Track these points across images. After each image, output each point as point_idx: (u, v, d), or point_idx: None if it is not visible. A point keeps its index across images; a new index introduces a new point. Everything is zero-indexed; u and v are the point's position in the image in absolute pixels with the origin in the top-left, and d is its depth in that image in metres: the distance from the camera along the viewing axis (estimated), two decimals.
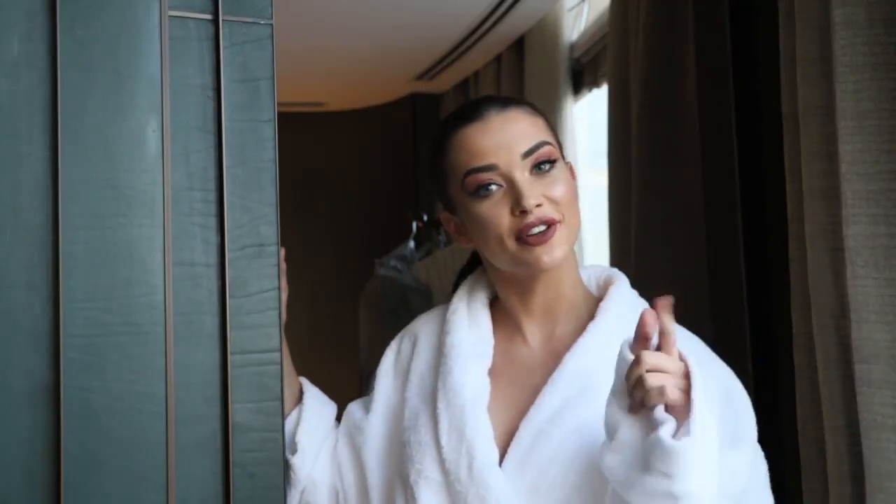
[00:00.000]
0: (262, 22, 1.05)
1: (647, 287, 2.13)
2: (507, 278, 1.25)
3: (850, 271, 1.22)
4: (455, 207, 1.26)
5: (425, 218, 3.28)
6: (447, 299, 1.37)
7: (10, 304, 0.93)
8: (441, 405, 1.21)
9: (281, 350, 1.04)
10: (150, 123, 1.00)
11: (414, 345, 1.32)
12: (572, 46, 2.96)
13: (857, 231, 1.21)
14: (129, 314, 0.97)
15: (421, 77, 3.62)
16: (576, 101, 2.97)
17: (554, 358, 1.22)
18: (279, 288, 1.04)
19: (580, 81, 2.95)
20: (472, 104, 1.28)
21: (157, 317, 0.98)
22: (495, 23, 2.92)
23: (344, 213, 4.11)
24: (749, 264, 1.76)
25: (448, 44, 3.16)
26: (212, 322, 1.00)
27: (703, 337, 2.03)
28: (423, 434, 1.21)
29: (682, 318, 2.01)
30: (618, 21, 2.38)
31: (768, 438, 1.73)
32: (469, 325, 1.28)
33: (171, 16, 1.01)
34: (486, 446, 1.17)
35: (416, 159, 4.02)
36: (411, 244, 3.28)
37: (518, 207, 1.17)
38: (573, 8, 2.95)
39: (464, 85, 3.66)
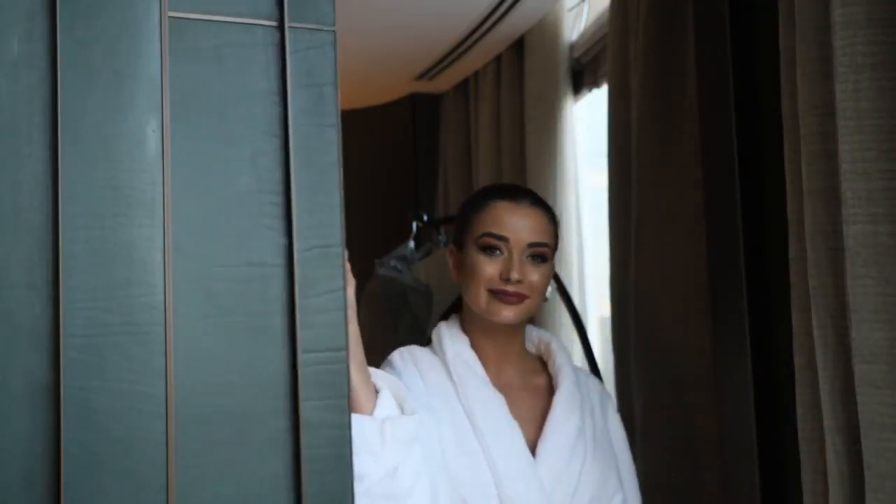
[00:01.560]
0: (325, 28, 1.08)
1: (647, 287, 2.14)
2: (480, 326, 1.63)
3: (850, 271, 1.22)
4: (462, 247, 1.63)
5: (425, 218, 3.28)
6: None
7: (10, 304, 0.93)
8: (479, 411, 1.54)
9: (347, 348, 1.06)
10: (149, 123, 1.00)
11: (415, 364, 1.59)
12: (572, 46, 2.96)
13: (857, 231, 1.21)
14: (129, 314, 0.97)
15: (421, 77, 3.62)
16: (576, 101, 2.97)
17: (513, 389, 1.62)
18: (344, 288, 1.07)
19: (580, 81, 2.96)
20: (514, 188, 1.68)
21: (157, 317, 0.98)
22: (495, 23, 2.92)
23: (344, 213, 4.10)
24: (749, 264, 1.76)
25: (448, 44, 3.17)
26: (281, 321, 1.03)
27: (703, 337, 2.02)
28: (461, 430, 1.52)
29: (683, 319, 2.01)
30: (617, 21, 2.38)
31: (768, 438, 1.74)
32: (470, 359, 1.61)
33: (236, 23, 1.04)
34: (520, 436, 1.54)
35: (416, 159, 4.02)
36: (411, 244, 3.28)
37: (505, 274, 1.56)
38: (573, 8, 2.95)
39: (464, 85, 3.66)
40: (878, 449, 1.18)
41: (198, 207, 1.01)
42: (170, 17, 1.02)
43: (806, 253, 1.35)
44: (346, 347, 1.05)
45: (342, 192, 1.07)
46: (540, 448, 1.55)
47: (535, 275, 1.58)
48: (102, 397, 0.95)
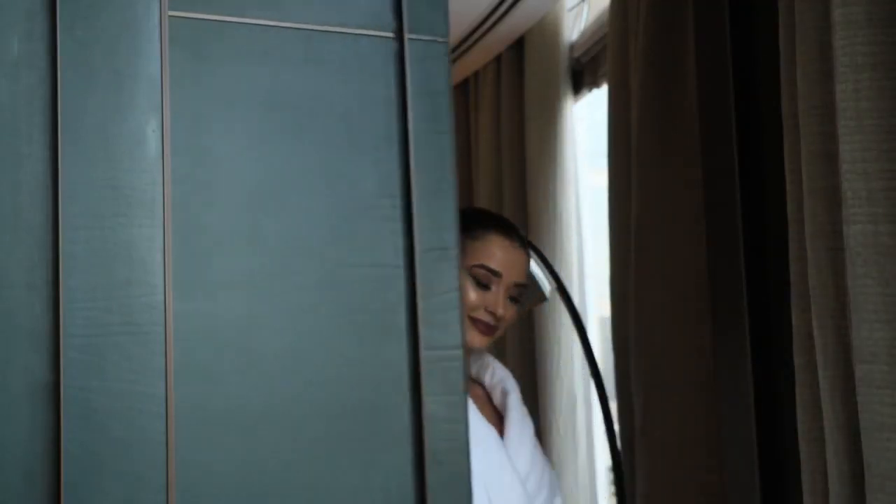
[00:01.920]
0: (440, 40, 1.13)
1: (647, 287, 2.14)
2: None
3: (850, 271, 1.22)
4: None
5: None
6: None
7: (10, 304, 0.93)
8: None
9: (463, 347, 1.10)
10: (149, 123, 1.00)
11: None
12: (572, 46, 2.96)
13: (857, 231, 1.21)
14: (129, 314, 0.97)
15: None
16: (576, 101, 2.97)
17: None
18: (459, 289, 1.11)
19: (580, 81, 2.95)
20: (508, 224, 1.80)
21: (157, 317, 0.98)
22: (495, 23, 2.92)
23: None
24: (749, 264, 1.76)
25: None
26: (402, 320, 1.07)
27: (703, 337, 2.03)
28: None
29: (683, 319, 2.01)
30: (617, 21, 2.38)
31: (768, 438, 1.73)
32: None
33: (359, 34, 1.09)
34: (494, 431, 1.68)
35: None
36: None
37: (491, 308, 1.69)
38: (573, 8, 2.95)
39: (464, 85, 3.66)
40: (878, 449, 1.18)
41: (325, 210, 1.06)
42: (255, 24, 1.06)
43: (806, 253, 1.35)
44: (463, 345, 1.09)
45: (457, 196, 1.11)
46: (507, 443, 1.69)
47: (510, 311, 1.73)
48: (102, 397, 0.95)
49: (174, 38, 1.01)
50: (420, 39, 1.11)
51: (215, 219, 1.01)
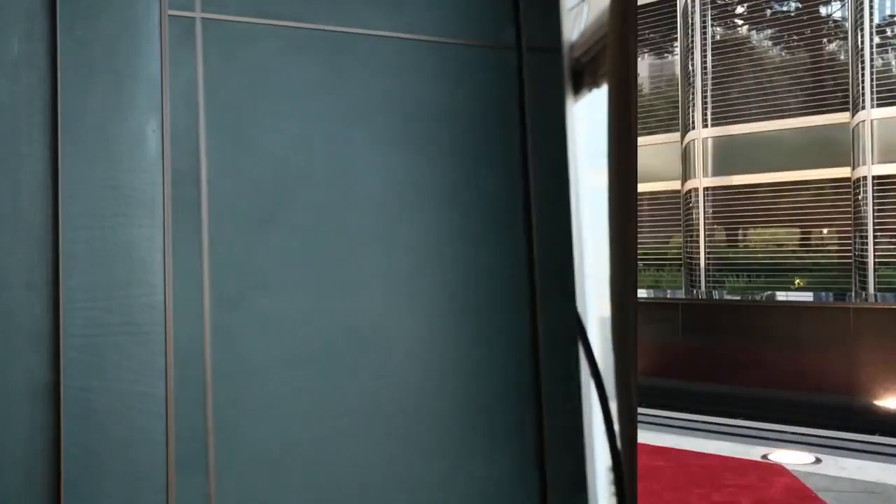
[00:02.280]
0: (556, 50, 1.17)
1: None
2: None
3: None
4: None
5: None
6: None
7: (10, 304, 0.93)
8: None
9: (577, 342, 1.13)
10: (149, 123, 1.00)
11: None
12: (572, 46, 2.95)
13: None
14: (129, 314, 0.97)
15: None
16: (576, 101, 2.97)
17: None
18: (572, 286, 1.10)
19: (580, 81, 2.95)
20: None
21: (157, 317, 0.98)
22: None
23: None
24: None
25: None
26: (523, 318, 1.13)
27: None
28: None
29: None
30: (617, 21, 2.37)
31: None
32: None
33: (479, 45, 1.13)
34: None
35: None
36: None
37: None
38: (573, 8, 2.95)
39: None
40: None
41: (452, 214, 1.10)
42: (384, 35, 1.08)
43: None
44: (577, 342, 1.13)
45: (571, 198, 1.14)
46: None
47: None
48: (102, 397, 0.95)
49: (309, 48, 1.04)
50: (538, 51, 1.16)
51: (354, 221, 1.04)
